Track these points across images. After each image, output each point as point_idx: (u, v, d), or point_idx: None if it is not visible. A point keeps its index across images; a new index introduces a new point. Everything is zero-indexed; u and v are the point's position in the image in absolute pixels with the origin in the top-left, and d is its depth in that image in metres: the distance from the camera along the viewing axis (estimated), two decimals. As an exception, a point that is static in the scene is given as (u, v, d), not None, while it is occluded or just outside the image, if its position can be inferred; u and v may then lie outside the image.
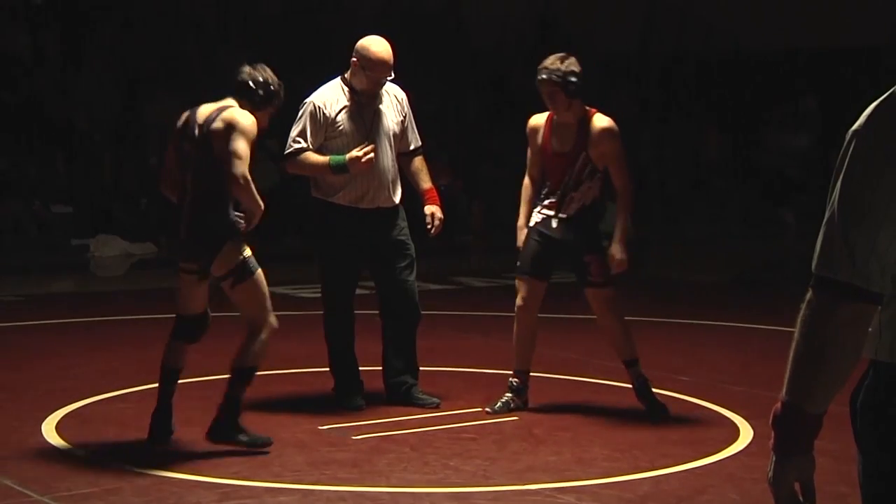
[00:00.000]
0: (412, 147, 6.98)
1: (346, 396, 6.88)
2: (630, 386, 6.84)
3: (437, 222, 6.84)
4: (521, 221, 6.81)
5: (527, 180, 6.84)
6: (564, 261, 6.76)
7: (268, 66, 6.10)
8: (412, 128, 7.00)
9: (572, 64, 6.53)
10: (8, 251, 14.34)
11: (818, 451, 2.46)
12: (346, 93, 6.77)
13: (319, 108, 6.72)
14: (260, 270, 5.94)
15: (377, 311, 7.00)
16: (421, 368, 7.00)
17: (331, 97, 6.76)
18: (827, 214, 2.38)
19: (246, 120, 5.81)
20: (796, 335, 2.39)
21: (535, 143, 6.77)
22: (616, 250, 6.59)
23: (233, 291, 5.96)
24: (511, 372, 6.86)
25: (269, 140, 11.93)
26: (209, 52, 17.44)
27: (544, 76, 6.53)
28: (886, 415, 2.39)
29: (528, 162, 6.85)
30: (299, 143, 6.72)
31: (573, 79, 6.49)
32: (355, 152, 6.58)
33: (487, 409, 6.77)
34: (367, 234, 6.79)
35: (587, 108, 6.65)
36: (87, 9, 17.12)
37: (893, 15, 17.09)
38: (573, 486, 5.47)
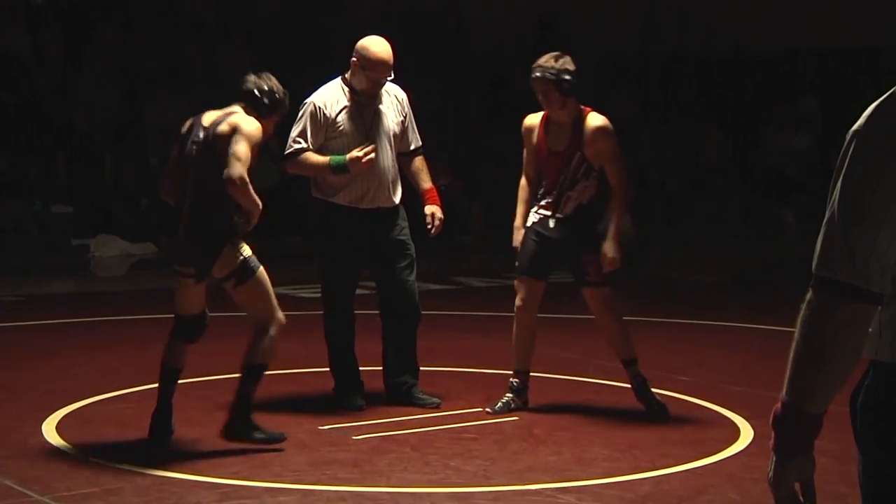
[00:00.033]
0: (412, 147, 6.98)
1: (346, 396, 6.88)
2: (630, 386, 6.84)
3: (437, 222, 6.84)
4: (517, 221, 6.81)
5: (523, 180, 6.84)
6: (562, 261, 6.76)
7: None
8: (412, 128, 7.00)
9: (567, 63, 6.54)
10: (8, 251, 14.34)
11: (818, 451, 2.46)
12: (347, 93, 6.77)
13: (320, 108, 6.72)
14: (262, 268, 5.96)
15: (377, 311, 7.00)
16: (421, 368, 7.00)
17: (331, 97, 6.76)
18: (827, 214, 2.38)
19: (251, 125, 5.83)
20: (796, 335, 2.40)
21: (530, 142, 6.77)
22: (608, 248, 6.58)
23: (236, 292, 5.96)
24: (511, 372, 6.87)
25: (271, 140, 11.93)
26: (209, 52, 17.45)
27: (538, 74, 6.54)
28: (886, 415, 2.39)
29: (524, 161, 6.86)
30: (299, 143, 6.72)
31: (567, 77, 6.50)
32: (355, 152, 6.58)
33: (488, 410, 6.77)
34: (368, 235, 6.79)
35: (582, 106, 6.65)
36: (88, 9, 17.11)
37: (893, 15, 17.08)
38: (574, 486, 5.47)
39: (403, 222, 6.90)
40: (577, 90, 6.54)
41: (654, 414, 6.72)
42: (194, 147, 5.91)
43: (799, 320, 2.39)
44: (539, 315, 6.82)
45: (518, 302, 6.76)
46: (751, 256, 15.52)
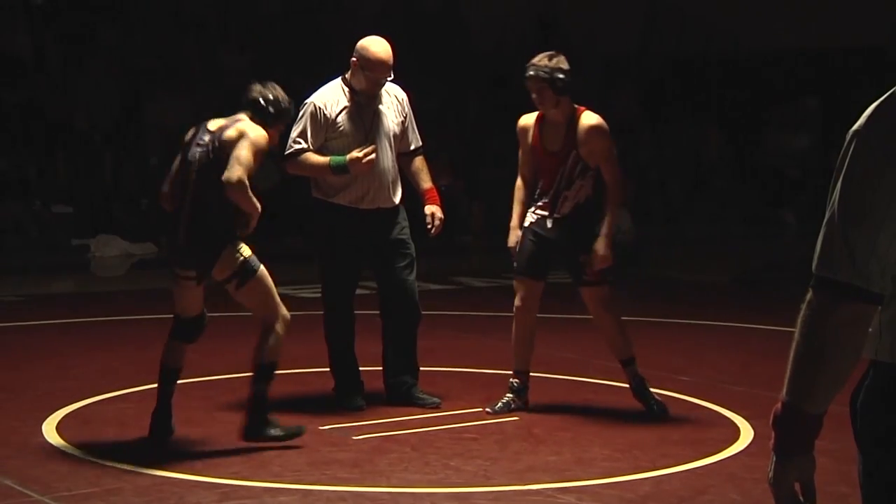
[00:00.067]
0: (412, 147, 6.98)
1: (346, 396, 6.88)
2: (629, 386, 6.84)
3: (437, 222, 6.84)
4: (514, 222, 6.82)
5: (519, 181, 6.85)
6: (560, 260, 6.77)
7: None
8: (413, 128, 7.00)
9: (561, 62, 6.55)
10: (8, 251, 14.34)
11: (818, 451, 2.46)
12: (347, 93, 6.77)
13: (320, 108, 6.72)
14: (262, 268, 5.97)
15: (377, 311, 7.00)
16: (421, 368, 7.00)
17: (331, 98, 6.76)
18: (827, 214, 2.38)
19: (258, 133, 5.88)
20: (796, 335, 2.40)
21: (525, 142, 6.78)
22: (599, 246, 6.58)
23: (238, 293, 5.97)
24: (511, 372, 6.87)
25: (274, 146, 11.94)
26: (209, 52, 17.44)
27: (532, 73, 6.55)
28: (886, 415, 2.39)
29: (519, 162, 6.86)
30: (300, 143, 6.72)
31: (561, 76, 6.50)
32: (356, 153, 6.58)
33: (488, 410, 6.77)
34: (368, 235, 6.80)
35: (576, 106, 6.65)
36: (88, 9, 17.11)
37: (894, 15, 17.09)
38: (574, 486, 5.47)
39: (404, 222, 6.90)
40: (570, 89, 6.55)
41: (654, 413, 6.72)
42: (199, 149, 5.92)
43: (799, 320, 2.39)
44: (538, 315, 6.82)
45: (517, 302, 6.76)
46: (751, 256, 15.52)
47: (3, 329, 9.66)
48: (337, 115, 6.73)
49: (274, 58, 16.99)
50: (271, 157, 6.84)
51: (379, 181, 6.76)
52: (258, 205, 5.83)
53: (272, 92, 6.04)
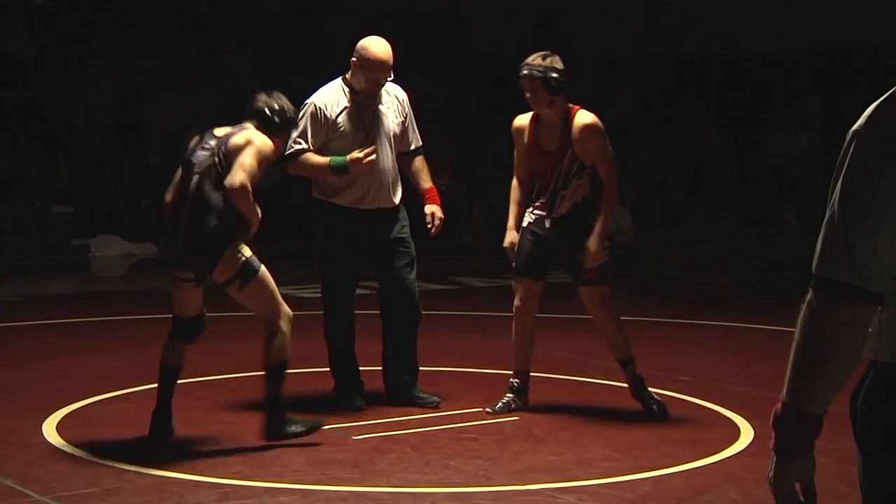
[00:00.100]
0: (413, 147, 6.98)
1: (346, 396, 6.88)
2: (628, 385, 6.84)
3: (437, 222, 6.84)
4: (510, 222, 6.82)
5: (514, 181, 6.86)
6: (559, 260, 6.77)
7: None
8: (413, 127, 7.00)
9: (555, 62, 6.56)
10: (8, 251, 14.34)
11: (818, 452, 2.46)
12: (347, 93, 6.77)
13: (320, 108, 6.72)
14: (263, 267, 5.98)
15: (377, 311, 7.00)
16: (421, 368, 7.00)
17: (332, 98, 6.76)
18: (827, 214, 2.38)
19: (264, 141, 5.93)
20: (796, 335, 2.40)
21: (521, 143, 6.79)
22: (591, 243, 6.58)
23: (241, 294, 5.98)
24: (511, 372, 6.87)
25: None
26: (209, 52, 17.44)
27: (525, 72, 6.56)
28: (886, 415, 2.39)
29: (515, 162, 6.87)
30: (300, 143, 6.72)
31: (554, 75, 6.51)
32: (356, 153, 6.58)
33: (488, 410, 6.77)
34: (368, 235, 6.80)
35: (570, 105, 6.65)
36: (88, 9, 17.11)
37: (893, 15, 17.08)
38: (574, 486, 5.47)
39: (404, 221, 6.90)
40: (564, 89, 6.56)
41: (653, 413, 6.72)
42: (203, 153, 5.95)
43: (799, 320, 2.39)
44: (538, 315, 6.82)
45: (517, 302, 6.76)
46: (751, 256, 15.51)
47: (3, 329, 9.66)
48: (337, 116, 6.72)
49: (274, 58, 16.99)
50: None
51: (379, 181, 6.76)
52: (259, 212, 5.87)
53: (277, 101, 6.08)
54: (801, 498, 2.44)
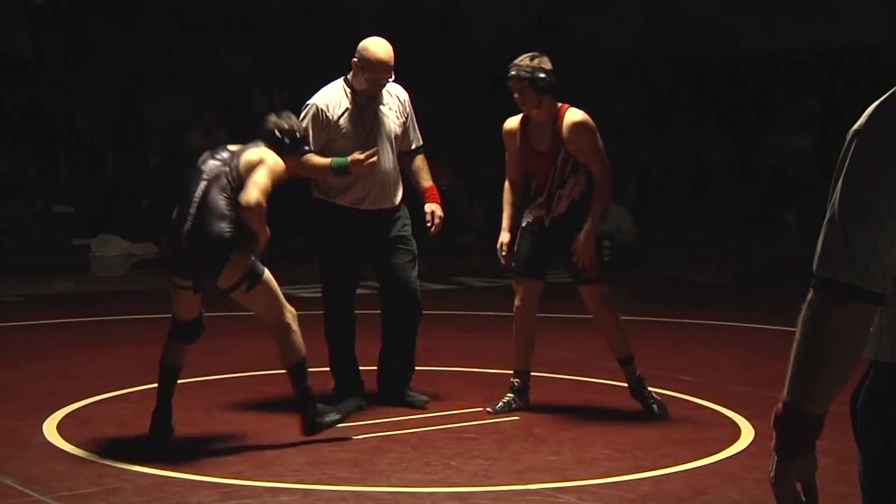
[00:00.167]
0: (413, 146, 6.98)
1: (346, 396, 6.88)
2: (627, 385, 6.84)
3: (437, 220, 6.85)
4: (504, 224, 6.82)
5: (506, 183, 6.88)
6: (559, 259, 6.77)
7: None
8: (414, 127, 7.00)
9: (543, 62, 6.57)
10: (8, 251, 14.33)
11: (819, 451, 2.46)
12: (348, 94, 6.77)
13: (322, 110, 6.72)
14: (266, 270, 5.99)
15: (377, 311, 7.00)
16: (421, 368, 7.01)
17: (333, 99, 6.76)
18: (828, 215, 2.38)
19: (277, 160, 6.00)
20: (797, 335, 2.39)
21: (512, 145, 6.80)
22: (579, 239, 6.58)
23: (247, 298, 5.98)
24: (512, 372, 6.87)
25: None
26: (209, 52, 17.44)
27: (513, 73, 6.57)
28: (886, 415, 2.39)
29: (506, 165, 6.88)
30: (300, 143, 6.72)
31: (542, 75, 6.52)
32: (357, 155, 6.57)
33: (489, 410, 6.77)
34: (369, 235, 6.80)
35: (559, 104, 6.66)
36: (88, 9, 17.11)
37: (893, 15, 17.08)
38: (574, 485, 5.47)
39: (406, 219, 6.90)
40: (552, 89, 6.57)
41: (653, 413, 6.72)
42: (215, 162, 5.98)
43: (799, 320, 2.39)
44: (539, 315, 6.82)
45: (517, 302, 6.77)
46: (751, 256, 15.51)
47: (3, 329, 9.66)
48: (338, 117, 6.72)
49: (274, 58, 16.99)
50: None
51: (380, 182, 6.76)
52: (268, 232, 5.90)
53: (287, 122, 6.15)
54: (803, 498, 2.44)
